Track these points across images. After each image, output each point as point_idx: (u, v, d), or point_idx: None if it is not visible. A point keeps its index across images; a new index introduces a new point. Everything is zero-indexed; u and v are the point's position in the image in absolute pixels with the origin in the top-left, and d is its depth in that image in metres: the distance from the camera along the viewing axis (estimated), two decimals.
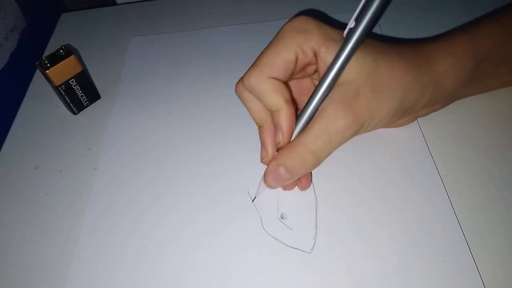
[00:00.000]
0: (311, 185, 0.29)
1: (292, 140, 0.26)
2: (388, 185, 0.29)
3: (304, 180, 0.28)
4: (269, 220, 0.28)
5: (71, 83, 0.34)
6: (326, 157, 0.26)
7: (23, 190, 0.32)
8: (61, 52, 0.33)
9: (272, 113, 0.26)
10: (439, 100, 0.28)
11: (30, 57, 0.41)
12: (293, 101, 0.27)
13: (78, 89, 0.35)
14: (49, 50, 0.43)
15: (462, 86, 0.28)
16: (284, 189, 0.29)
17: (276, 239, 0.27)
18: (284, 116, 0.25)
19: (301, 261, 0.26)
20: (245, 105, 0.27)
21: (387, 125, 0.28)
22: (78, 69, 0.34)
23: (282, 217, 0.28)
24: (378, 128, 0.28)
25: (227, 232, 0.28)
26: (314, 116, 0.25)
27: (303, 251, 0.26)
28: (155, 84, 0.38)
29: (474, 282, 0.24)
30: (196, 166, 0.31)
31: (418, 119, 0.31)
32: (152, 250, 0.27)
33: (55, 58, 0.32)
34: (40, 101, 0.38)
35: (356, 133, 0.25)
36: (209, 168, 0.31)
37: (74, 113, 0.36)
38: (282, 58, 0.25)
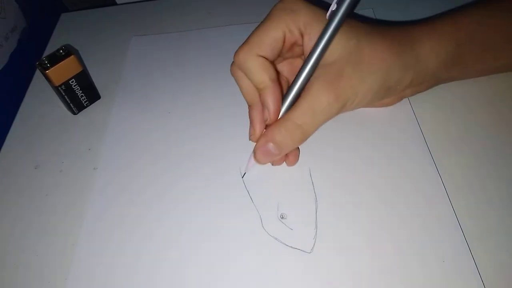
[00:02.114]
0: (311, 185, 0.29)
1: (280, 117, 0.27)
2: (388, 185, 0.29)
3: (291, 156, 0.30)
4: (269, 220, 0.28)
5: (71, 83, 0.34)
6: (313, 132, 0.27)
7: (23, 190, 0.32)
8: (61, 52, 0.33)
9: (259, 92, 0.27)
10: (422, 80, 0.29)
11: (30, 57, 0.41)
12: (285, 81, 0.30)
13: (78, 89, 0.35)
14: (49, 50, 0.43)
15: (445, 68, 0.29)
16: (273, 164, 0.30)
17: (276, 239, 0.27)
18: (270, 93, 0.26)
19: (301, 261, 0.26)
20: (237, 84, 0.29)
21: (371, 103, 0.29)
22: (78, 69, 0.34)
23: (282, 217, 0.28)
24: (363, 106, 0.29)
25: (227, 232, 0.28)
26: (301, 94, 0.26)
27: (303, 251, 0.26)
28: (155, 84, 0.38)
29: (474, 282, 0.24)
30: (196, 166, 0.31)
31: (418, 119, 0.32)
32: (151, 249, 0.27)
33: (55, 58, 0.32)
34: (40, 101, 0.38)
35: (340, 110, 0.26)
36: (209, 168, 0.31)
37: (74, 113, 0.36)
38: (270, 37, 0.26)
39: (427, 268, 0.25)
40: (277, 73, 0.28)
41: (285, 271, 0.26)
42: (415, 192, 0.28)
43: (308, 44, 0.26)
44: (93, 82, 0.37)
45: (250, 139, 0.29)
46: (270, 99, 0.26)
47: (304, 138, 0.27)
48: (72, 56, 0.33)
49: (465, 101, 0.33)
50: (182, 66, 0.39)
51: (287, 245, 0.27)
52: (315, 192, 0.29)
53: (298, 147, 0.30)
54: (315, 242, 0.27)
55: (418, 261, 0.25)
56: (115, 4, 0.49)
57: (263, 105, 0.27)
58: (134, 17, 0.45)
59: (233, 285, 0.25)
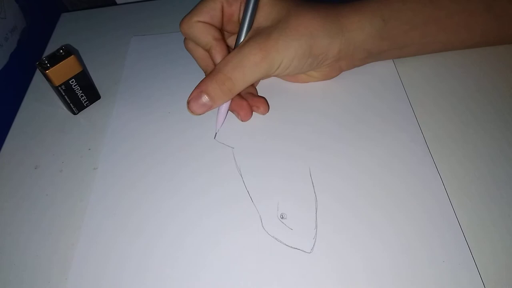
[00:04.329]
0: (311, 185, 0.29)
1: (213, 69, 0.29)
2: (388, 186, 0.29)
3: (261, 107, 0.32)
4: (269, 220, 0.28)
5: (71, 83, 0.34)
6: (241, 87, 0.29)
7: (23, 190, 0.32)
8: (61, 52, 0.33)
9: (209, 54, 0.31)
10: (352, 52, 0.31)
11: (30, 57, 0.41)
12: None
13: (78, 89, 0.35)
14: (49, 50, 0.43)
15: (372, 42, 0.31)
16: (242, 119, 0.32)
17: (276, 239, 0.27)
18: (216, 50, 0.30)
19: (301, 261, 0.26)
20: (192, 55, 0.33)
21: (301, 70, 0.31)
22: (78, 69, 0.34)
23: (282, 217, 0.28)
24: (295, 73, 0.31)
25: (227, 232, 0.28)
26: (234, 52, 0.29)
27: (303, 251, 0.26)
28: (155, 84, 0.38)
29: (474, 282, 0.24)
30: (197, 166, 0.31)
31: (418, 119, 0.32)
32: (152, 249, 0.27)
33: (55, 58, 0.32)
34: (40, 101, 0.38)
35: (266, 70, 0.29)
36: (210, 168, 0.31)
37: (74, 113, 0.36)
38: (207, 6, 0.30)
39: (427, 268, 0.25)
40: (222, 34, 0.32)
41: (285, 271, 0.26)
42: (416, 192, 0.28)
43: (241, 11, 0.30)
44: (93, 82, 0.37)
45: None
46: (218, 56, 0.30)
47: (233, 90, 0.29)
48: (72, 56, 0.33)
49: (466, 104, 0.33)
50: (182, 66, 0.39)
51: (287, 245, 0.27)
52: (315, 192, 0.29)
53: (266, 100, 0.33)
54: (315, 242, 0.27)
55: (418, 261, 0.25)
56: (115, 4, 0.49)
57: (214, 63, 0.31)
58: (134, 17, 0.45)
59: (233, 285, 0.25)
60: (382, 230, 0.27)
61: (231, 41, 0.34)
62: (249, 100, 0.33)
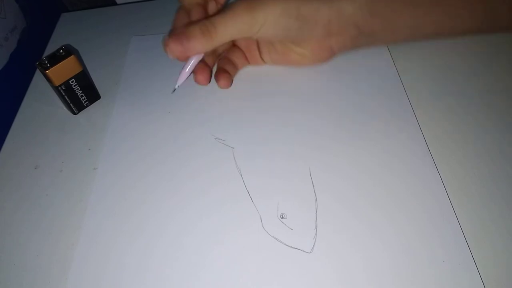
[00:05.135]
0: (311, 185, 0.29)
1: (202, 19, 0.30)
2: (388, 186, 0.29)
3: (221, 78, 0.34)
4: (269, 220, 0.28)
5: (71, 83, 0.34)
6: (222, 39, 0.30)
7: (23, 190, 0.32)
8: (61, 52, 0.33)
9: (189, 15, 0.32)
10: (342, 25, 0.31)
11: (30, 57, 0.41)
12: None
13: (78, 89, 0.35)
14: (49, 50, 0.43)
15: (362, 17, 0.30)
16: (198, 82, 0.33)
17: (276, 239, 0.27)
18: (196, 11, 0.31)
19: (301, 261, 0.26)
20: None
21: (290, 34, 0.31)
22: (78, 69, 0.34)
23: (282, 217, 0.28)
24: (283, 38, 0.32)
25: (227, 232, 0.28)
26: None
27: (303, 251, 0.26)
28: (155, 84, 0.38)
29: (474, 282, 0.24)
30: (197, 166, 0.31)
31: (418, 119, 0.32)
32: (151, 249, 0.27)
33: (55, 58, 0.32)
34: (40, 101, 0.38)
35: (252, 27, 0.29)
36: (210, 168, 0.31)
37: (74, 113, 0.36)
38: None
39: (427, 268, 0.25)
40: None
41: (285, 271, 0.26)
42: (416, 192, 0.28)
43: None
44: (93, 82, 0.37)
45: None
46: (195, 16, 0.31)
47: (214, 39, 0.29)
48: (72, 56, 0.33)
49: (467, 104, 0.33)
50: (182, 66, 0.39)
51: (287, 245, 0.27)
52: (315, 192, 0.29)
53: (231, 78, 0.34)
54: (315, 242, 0.27)
55: (418, 261, 0.25)
56: (115, 4, 0.49)
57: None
58: (134, 17, 0.45)
59: (233, 285, 0.25)
60: (382, 230, 0.27)
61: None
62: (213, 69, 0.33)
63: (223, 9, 0.30)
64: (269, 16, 0.29)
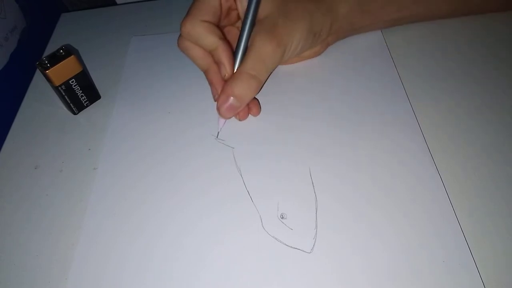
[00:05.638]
0: (311, 185, 0.29)
1: (234, 72, 0.30)
2: (388, 186, 0.29)
3: (254, 108, 0.33)
4: (269, 220, 0.28)
5: (71, 83, 0.34)
6: (266, 79, 0.31)
7: (23, 190, 0.32)
8: (61, 52, 0.33)
9: (212, 54, 0.31)
10: (338, 25, 0.34)
11: (30, 57, 0.41)
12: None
13: (78, 89, 0.35)
14: (49, 50, 0.43)
15: (353, 15, 0.34)
16: (240, 119, 0.33)
17: (276, 239, 0.27)
18: (222, 50, 0.30)
19: (301, 261, 0.26)
20: (188, 55, 0.32)
21: (303, 50, 0.33)
22: (78, 69, 0.34)
23: (282, 217, 0.28)
24: (300, 54, 0.33)
25: (227, 232, 0.28)
26: (248, 49, 0.30)
27: (303, 251, 0.26)
28: (155, 84, 0.38)
29: (474, 282, 0.24)
30: (197, 166, 0.31)
31: (418, 119, 0.32)
32: (152, 249, 0.27)
33: (55, 58, 0.32)
34: (40, 101, 0.38)
35: (282, 55, 0.30)
36: (210, 168, 0.31)
37: (74, 113, 0.36)
38: (208, 3, 0.31)
39: (427, 268, 0.25)
40: (224, 34, 0.32)
41: (285, 271, 0.26)
42: (416, 192, 0.28)
43: (241, 7, 0.31)
44: (93, 82, 0.37)
45: (215, 100, 0.32)
46: (224, 55, 0.30)
47: (260, 85, 0.30)
48: (72, 56, 0.33)
49: (467, 105, 0.33)
50: (182, 66, 0.39)
51: (287, 245, 0.27)
52: (315, 192, 0.29)
53: (259, 103, 0.34)
54: (315, 242, 0.27)
55: (418, 261, 0.25)
56: (115, 4, 0.49)
57: (219, 62, 0.30)
58: (134, 17, 0.45)
59: (233, 285, 0.25)
60: (382, 230, 0.27)
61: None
62: None
63: (251, 49, 0.29)
64: (294, 41, 0.30)
